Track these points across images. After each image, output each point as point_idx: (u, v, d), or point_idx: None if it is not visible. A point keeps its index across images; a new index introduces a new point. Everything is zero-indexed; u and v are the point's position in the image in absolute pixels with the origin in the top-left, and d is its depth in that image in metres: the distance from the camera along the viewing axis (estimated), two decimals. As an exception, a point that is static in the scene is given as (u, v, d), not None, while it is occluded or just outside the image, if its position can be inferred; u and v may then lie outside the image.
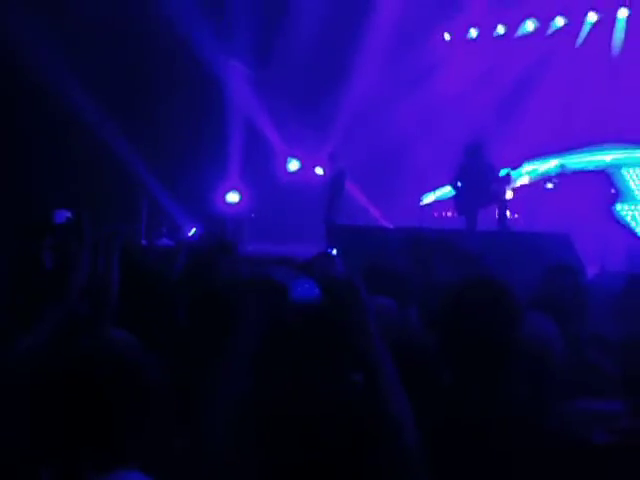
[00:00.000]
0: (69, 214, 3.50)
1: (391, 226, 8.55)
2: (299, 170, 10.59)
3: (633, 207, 9.44)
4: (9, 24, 8.27)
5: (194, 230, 8.93)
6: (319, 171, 10.15)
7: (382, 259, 4.23)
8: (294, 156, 10.53)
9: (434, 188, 9.91)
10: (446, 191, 9.21)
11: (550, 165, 9.84)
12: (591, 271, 5.55)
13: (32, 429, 1.61)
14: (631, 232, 9.07)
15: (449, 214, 9.57)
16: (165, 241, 8.41)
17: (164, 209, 9.40)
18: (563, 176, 9.43)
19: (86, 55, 8.73)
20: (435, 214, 9.81)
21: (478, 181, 7.69)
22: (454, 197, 8.08)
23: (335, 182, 8.41)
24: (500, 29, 10.75)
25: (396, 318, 2.49)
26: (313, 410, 1.19)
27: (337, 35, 9.91)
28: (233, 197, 10.23)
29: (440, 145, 9.47)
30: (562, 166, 9.59)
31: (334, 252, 6.48)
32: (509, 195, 8.45)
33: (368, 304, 1.22)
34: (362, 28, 9.83)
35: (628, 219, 9.35)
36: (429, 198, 10.03)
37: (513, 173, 8.23)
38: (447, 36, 10.99)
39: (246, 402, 1.19)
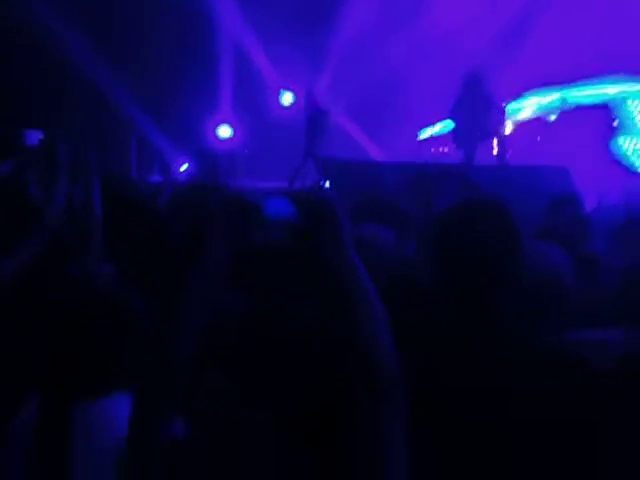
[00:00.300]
0: (41, 136, 3.30)
1: (388, 161, 8.39)
2: (293, 104, 10.26)
3: (635, 140, 9.27)
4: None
5: (186, 166, 8.74)
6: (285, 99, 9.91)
7: (379, 193, 4.14)
8: (288, 88, 10.18)
9: (432, 123, 9.69)
10: (443, 126, 9.01)
11: (551, 98, 9.59)
12: (589, 205, 5.53)
13: (18, 352, 1.62)
14: (629, 166, 8.96)
15: (446, 149, 9.40)
16: (156, 177, 8.25)
17: (154, 145, 9.18)
18: (564, 111, 9.23)
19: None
20: (432, 149, 9.64)
21: (477, 114, 7.50)
22: (452, 131, 7.91)
23: (313, 121, 8.21)
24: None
25: (394, 247, 2.46)
26: (283, 332, 1.16)
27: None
28: (225, 131, 9.97)
29: (438, 78, 9.19)
30: (563, 100, 9.35)
31: (326, 185, 6.38)
32: (508, 129, 8.27)
33: (343, 220, 1.15)
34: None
35: (629, 152, 9.21)
36: (426, 133, 9.85)
37: (513, 106, 8.04)
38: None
39: (216, 323, 1.16)
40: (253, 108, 9.87)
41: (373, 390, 1.09)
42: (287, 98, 10.21)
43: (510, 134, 8.34)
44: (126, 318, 1.47)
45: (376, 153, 9.90)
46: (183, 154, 9.05)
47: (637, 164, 9.09)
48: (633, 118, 9.38)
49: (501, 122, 7.84)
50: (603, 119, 9.07)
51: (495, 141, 7.94)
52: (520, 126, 9.17)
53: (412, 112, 9.56)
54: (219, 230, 1.15)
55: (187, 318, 1.13)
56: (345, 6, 9.46)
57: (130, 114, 9.05)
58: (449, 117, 7.91)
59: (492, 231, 1.42)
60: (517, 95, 8.16)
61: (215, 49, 9.85)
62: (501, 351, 1.38)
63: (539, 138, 9.35)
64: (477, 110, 7.48)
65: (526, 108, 9.45)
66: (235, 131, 9.91)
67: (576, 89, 9.42)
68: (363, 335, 1.10)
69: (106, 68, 8.82)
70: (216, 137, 9.91)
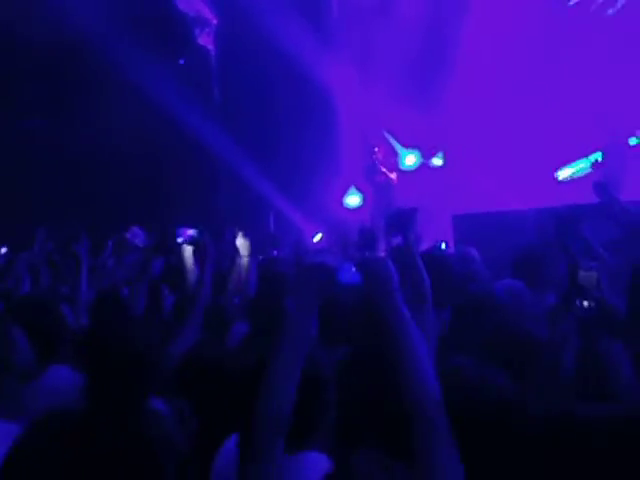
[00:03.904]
0: (193, 232, 3.87)
1: (525, 207, 8.12)
2: (417, 164, 10.35)
3: None
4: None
5: (320, 236, 9.12)
6: (436, 162, 9.94)
7: (518, 244, 4.10)
8: (409, 149, 10.33)
9: (568, 161, 9.13)
10: (582, 166, 8.53)
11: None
12: None
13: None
14: None
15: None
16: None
17: (289, 220, 9.76)
18: None
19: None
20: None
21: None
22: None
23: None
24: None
25: (528, 301, 2.46)
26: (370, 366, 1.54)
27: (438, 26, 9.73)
28: (354, 200, 10.21)
29: (567, 116, 8.88)
30: None
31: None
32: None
33: (394, 279, 1.45)
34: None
35: None
36: (565, 172, 9.19)
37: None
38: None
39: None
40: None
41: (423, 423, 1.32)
42: (410, 159, 10.32)
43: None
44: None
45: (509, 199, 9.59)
46: (315, 225, 9.50)
47: None
48: None
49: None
50: None
51: None
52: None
53: (543, 153, 9.19)
54: (308, 285, 1.50)
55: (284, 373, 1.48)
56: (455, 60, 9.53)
57: (267, 193, 9.80)
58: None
59: None
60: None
61: (332, 119, 10.41)
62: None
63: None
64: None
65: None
66: (365, 198, 10.12)
67: None
68: (408, 374, 1.34)
69: (244, 155, 9.73)
70: (344, 207, 10.22)
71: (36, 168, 9.94)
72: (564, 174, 9.14)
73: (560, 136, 9.00)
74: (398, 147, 10.16)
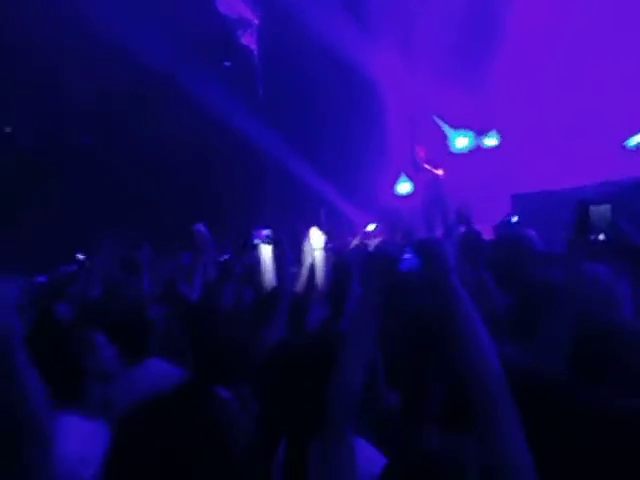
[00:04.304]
0: (268, 232, 4.01)
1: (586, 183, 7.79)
2: (469, 146, 10.13)
3: None
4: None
5: (374, 226, 9.06)
6: (490, 142, 9.67)
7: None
8: (460, 130, 10.10)
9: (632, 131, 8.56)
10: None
11: None
12: None
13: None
14: None
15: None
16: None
17: (340, 212, 9.75)
18: None
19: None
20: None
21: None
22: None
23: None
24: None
25: (610, 286, 2.31)
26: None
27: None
28: (405, 188, 10.16)
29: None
30: None
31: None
32: None
33: (448, 261, 1.47)
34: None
35: None
36: (636, 139, 8.55)
37: None
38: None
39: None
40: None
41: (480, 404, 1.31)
42: (460, 142, 10.12)
43: None
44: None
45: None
46: (369, 216, 9.44)
47: None
48: None
49: None
50: None
51: None
52: None
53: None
54: (374, 273, 1.58)
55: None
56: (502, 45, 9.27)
57: (317, 187, 9.82)
58: None
59: None
60: None
61: (382, 114, 10.32)
62: None
63: None
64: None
65: None
66: (415, 186, 10.04)
67: None
68: (467, 351, 1.34)
69: (291, 151, 9.79)
70: (395, 195, 10.15)
71: (90, 182, 10.31)
72: (635, 140, 8.42)
73: (619, 107, 8.58)
74: (449, 130, 9.97)
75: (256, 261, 3.68)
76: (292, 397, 1.71)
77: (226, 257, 5.06)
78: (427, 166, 9.27)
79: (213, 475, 1.40)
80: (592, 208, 2.25)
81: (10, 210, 9.85)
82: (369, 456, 1.59)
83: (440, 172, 9.17)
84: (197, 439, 1.42)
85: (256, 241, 3.79)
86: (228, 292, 3.45)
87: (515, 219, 4.77)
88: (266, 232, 4.00)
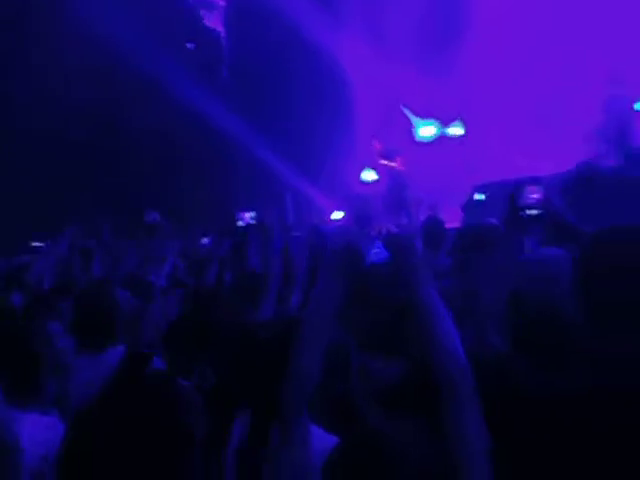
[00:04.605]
0: (251, 215, 4.00)
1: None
2: (434, 135, 10.18)
3: None
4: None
5: (340, 213, 9.07)
6: (456, 131, 9.76)
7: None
8: (426, 119, 10.15)
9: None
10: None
11: None
12: None
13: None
14: None
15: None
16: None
17: (307, 198, 9.74)
18: None
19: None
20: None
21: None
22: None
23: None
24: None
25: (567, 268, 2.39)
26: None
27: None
28: (370, 175, 10.18)
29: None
30: None
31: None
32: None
33: (418, 257, 1.50)
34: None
35: None
36: None
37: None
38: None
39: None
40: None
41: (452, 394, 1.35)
42: (425, 131, 10.17)
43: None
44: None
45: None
46: (335, 202, 9.45)
47: None
48: None
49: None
50: None
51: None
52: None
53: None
54: (338, 268, 1.56)
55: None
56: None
57: (283, 173, 9.77)
58: None
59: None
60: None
61: (347, 95, 10.30)
62: None
63: None
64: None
65: None
66: (380, 175, 10.08)
67: None
68: (434, 345, 1.38)
69: (259, 136, 9.72)
70: (361, 182, 10.16)
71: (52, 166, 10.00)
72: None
73: (583, 96, 8.72)
74: (415, 120, 10.03)
75: (241, 244, 3.65)
76: (251, 378, 1.75)
77: (206, 240, 5.02)
78: (383, 161, 9.33)
79: (172, 462, 1.44)
80: (528, 187, 2.36)
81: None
82: (320, 436, 1.61)
83: (395, 165, 9.23)
84: (154, 427, 1.43)
85: (240, 223, 3.80)
86: (210, 274, 3.42)
87: (481, 197, 4.82)
88: (250, 215, 4.00)
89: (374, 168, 10.05)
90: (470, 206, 7.50)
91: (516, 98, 9.18)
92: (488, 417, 1.32)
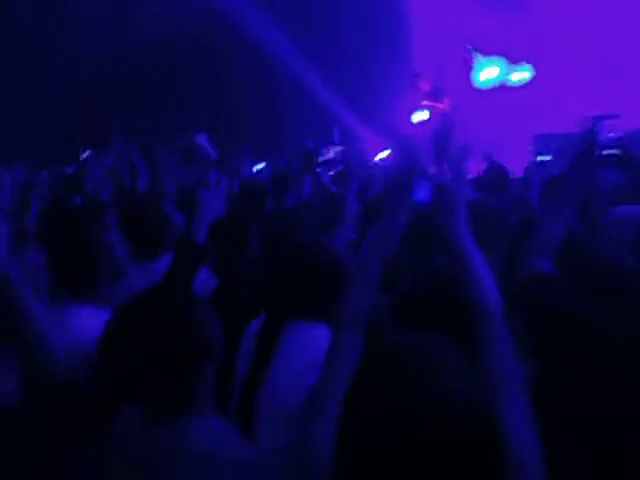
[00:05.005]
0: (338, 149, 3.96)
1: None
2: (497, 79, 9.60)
3: None
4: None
5: (387, 152, 8.81)
6: (520, 75, 9.23)
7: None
8: (492, 58, 9.58)
9: None
10: None
11: None
12: None
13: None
14: None
15: None
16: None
17: (355, 134, 9.47)
18: None
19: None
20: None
21: None
22: None
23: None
24: None
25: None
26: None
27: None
28: (421, 116, 9.81)
29: None
30: None
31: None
32: None
33: (461, 207, 1.49)
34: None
35: None
36: None
37: None
38: None
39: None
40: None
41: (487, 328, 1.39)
42: (490, 72, 9.63)
43: None
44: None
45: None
46: (383, 142, 9.15)
47: None
48: None
49: None
50: None
51: None
52: None
53: None
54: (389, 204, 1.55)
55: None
56: None
57: (332, 106, 9.48)
58: None
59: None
60: None
61: (405, 29, 9.83)
62: None
63: None
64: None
65: None
66: (431, 115, 9.70)
67: None
68: (474, 288, 1.40)
69: (309, 64, 9.37)
70: (412, 123, 9.83)
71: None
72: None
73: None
74: (480, 59, 9.51)
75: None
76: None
77: (261, 166, 4.93)
78: (427, 102, 8.92)
79: (193, 367, 1.55)
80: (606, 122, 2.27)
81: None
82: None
83: (442, 106, 8.81)
84: (176, 335, 1.54)
85: (323, 158, 3.87)
86: (291, 198, 3.58)
87: (547, 158, 4.57)
88: (336, 149, 4.09)
89: (428, 109, 9.65)
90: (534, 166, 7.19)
91: (589, 46, 8.61)
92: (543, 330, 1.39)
